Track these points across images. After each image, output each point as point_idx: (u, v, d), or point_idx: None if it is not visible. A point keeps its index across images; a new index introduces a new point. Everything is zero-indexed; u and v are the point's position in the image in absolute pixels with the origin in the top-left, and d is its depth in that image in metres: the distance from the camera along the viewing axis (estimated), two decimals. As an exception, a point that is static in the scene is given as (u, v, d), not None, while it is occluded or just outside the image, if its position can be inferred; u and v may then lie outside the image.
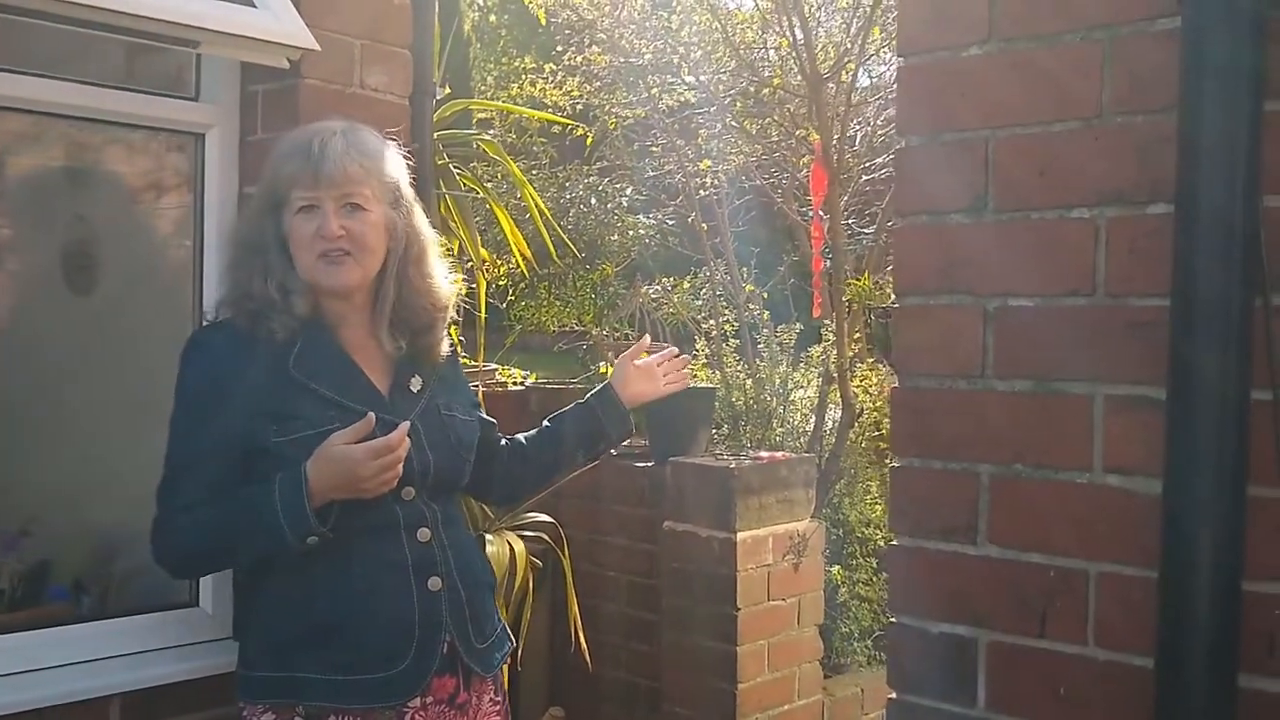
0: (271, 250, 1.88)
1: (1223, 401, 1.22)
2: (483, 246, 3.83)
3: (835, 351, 5.07)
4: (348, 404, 1.86)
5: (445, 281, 2.00)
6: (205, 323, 2.07)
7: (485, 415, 2.15)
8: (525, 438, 2.23)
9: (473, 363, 3.44)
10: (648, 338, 2.39)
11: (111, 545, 2.63)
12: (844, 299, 5.14)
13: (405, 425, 1.81)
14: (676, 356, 2.33)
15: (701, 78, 6.83)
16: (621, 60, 6.83)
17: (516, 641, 3.50)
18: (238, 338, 1.86)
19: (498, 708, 2.02)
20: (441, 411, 1.97)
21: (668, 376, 2.28)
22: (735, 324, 5.86)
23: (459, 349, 2.19)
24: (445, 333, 2.01)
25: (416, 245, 1.95)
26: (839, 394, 5.08)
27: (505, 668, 2.10)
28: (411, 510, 1.89)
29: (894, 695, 1.52)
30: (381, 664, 1.83)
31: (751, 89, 6.49)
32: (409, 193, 1.97)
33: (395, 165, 1.96)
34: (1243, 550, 1.22)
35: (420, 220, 1.98)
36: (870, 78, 6.71)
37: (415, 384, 1.96)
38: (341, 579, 1.83)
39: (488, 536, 3.18)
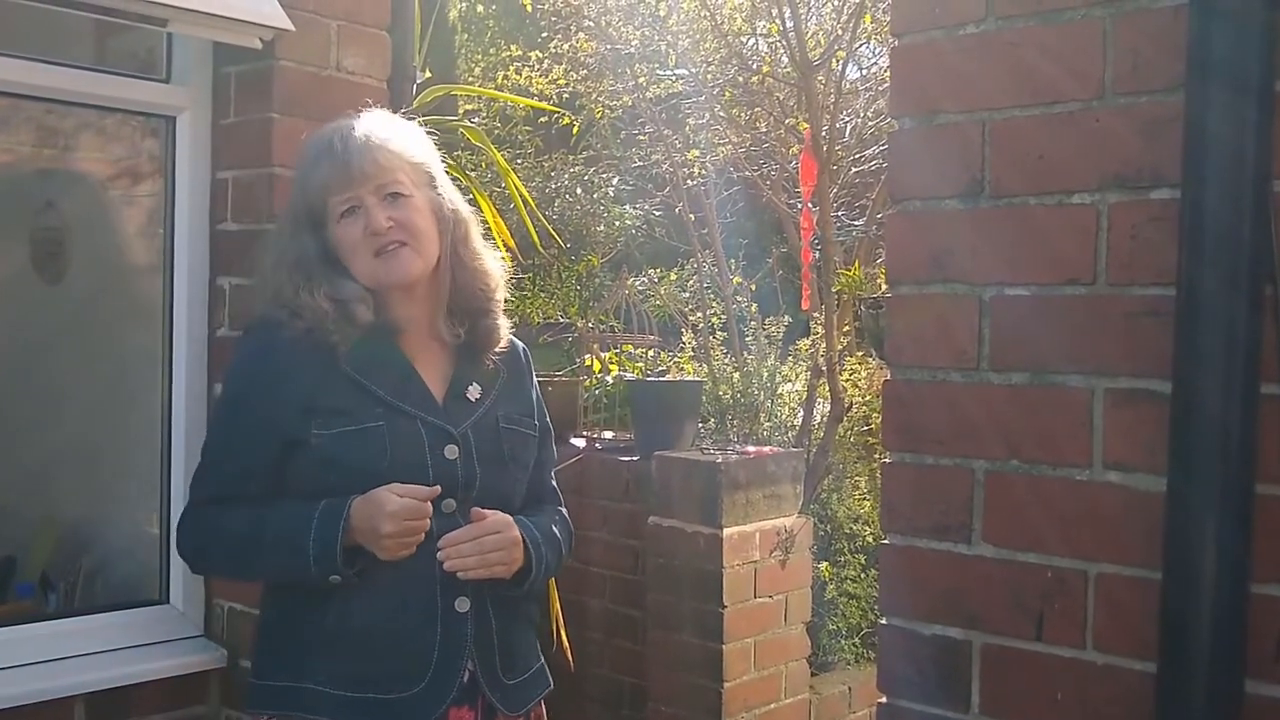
0: (315, 267, 1.76)
1: (1229, 396, 1.17)
2: (465, 236, 3.76)
3: (824, 345, 5.02)
4: (398, 404, 1.75)
5: (495, 261, 1.89)
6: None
7: (550, 476, 1.98)
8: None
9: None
10: None
11: (80, 541, 2.58)
12: (834, 290, 5.09)
13: (433, 490, 1.69)
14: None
15: (690, 66, 6.77)
16: (608, 48, 6.78)
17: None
18: (292, 334, 1.74)
19: None
20: (500, 423, 1.84)
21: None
22: (723, 316, 5.82)
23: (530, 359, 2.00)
24: (501, 317, 1.89)
25: (461, 225, 1.85)
26: (827, 388, 5.03)
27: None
28: (449, 524, 1.73)
29: (884, 699, 1.48)
30: (394, 684, 1.69)
31: (740, 78, 6.43)
32: (443, 172, 1.87)
33: (422, 146, 1.85)
34: (1250, 551, 1.18)
35: (459, 198, 1.87)
36: (860, 69, 6.65)
37: (473, 393, 1.84)
38: (363, 589, 1.70)
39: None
